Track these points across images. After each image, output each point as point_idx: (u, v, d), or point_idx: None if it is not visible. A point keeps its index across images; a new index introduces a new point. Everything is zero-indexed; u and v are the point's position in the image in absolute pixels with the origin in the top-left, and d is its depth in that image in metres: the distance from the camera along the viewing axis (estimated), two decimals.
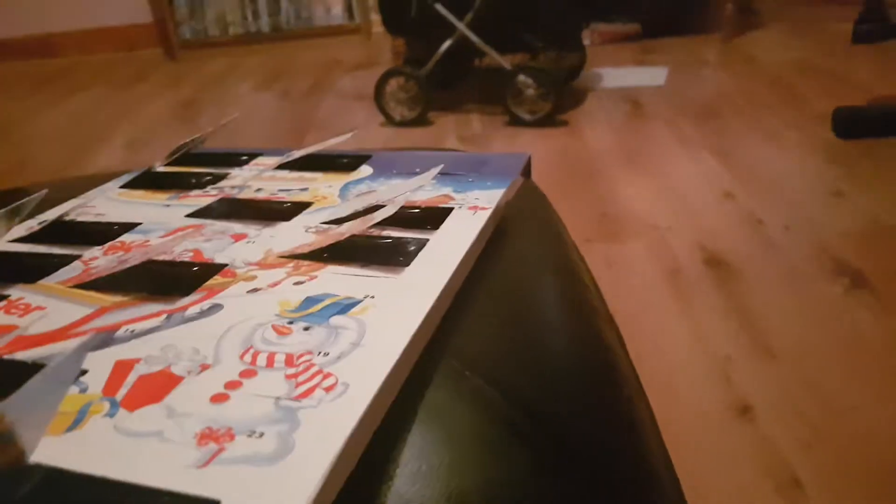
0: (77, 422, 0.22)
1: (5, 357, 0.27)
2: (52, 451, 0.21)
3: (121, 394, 0.24)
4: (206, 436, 0.21)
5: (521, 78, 1.97)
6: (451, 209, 0.38)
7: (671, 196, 1.56)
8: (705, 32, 2.78)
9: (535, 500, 0.23)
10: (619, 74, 2.46)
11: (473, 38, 2.00)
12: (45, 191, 0.35)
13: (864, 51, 2.39)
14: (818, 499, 0.80)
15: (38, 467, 0.21)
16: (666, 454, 0.32)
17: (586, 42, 2.48)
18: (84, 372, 0.25)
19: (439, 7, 2.00)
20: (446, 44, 2.02)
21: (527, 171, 0.46)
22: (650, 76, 2.40)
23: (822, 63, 2.32)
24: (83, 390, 0.24)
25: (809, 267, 1.24)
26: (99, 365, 0.25)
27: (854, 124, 1.74)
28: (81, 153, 2.15)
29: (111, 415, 0.23)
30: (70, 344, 0.27)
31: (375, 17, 2.86)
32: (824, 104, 1.89)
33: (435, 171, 0.40)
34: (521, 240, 0.41)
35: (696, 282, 1.23)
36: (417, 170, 0.42)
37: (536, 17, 2.06)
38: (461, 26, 2.00)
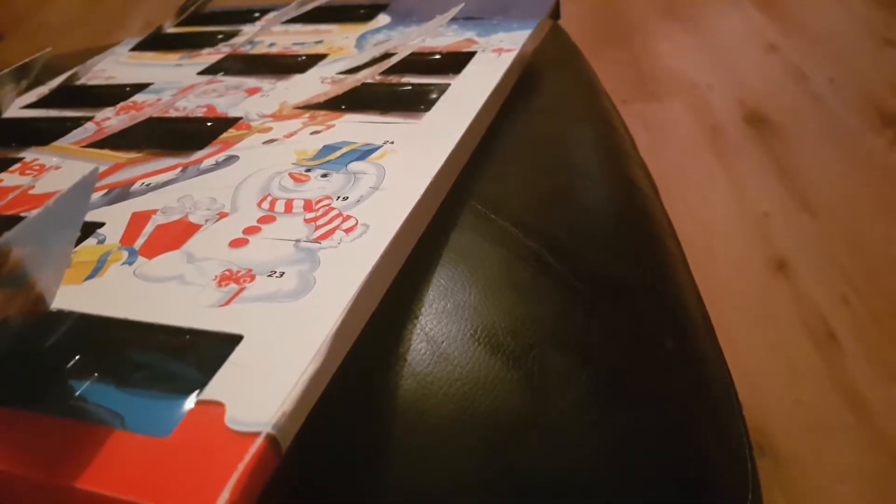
0: (97, 270, 0.22)
1: (9, 214, 0.26)
2: (73, 298, 0.21)
3: (139, 243, 0.23)
4: (227, 277, 0.21)
5: None
6: (473, 53, 0.36)
7: (712, 52, 1.48)
8: None
9: (563, 336, 0.23)
10: None
11: None
12: (49, 49, 0.33)
13: None
14: (853, 352, 0.80)
15: (63, 313, 0.21)
16: (699, 297, 0.32)
17: None
18: (101, 224, 0.25)
19: None
20: None
21: (555, 14, 0.43)
22: None
23: None
24: (101, 241, 0.24)
25: (854, 120, 1.19)
26: (116, 217, 0.25)
27: None
28: (101, 37, 2.11)
29: (130, 262, 0.22)
30: None
31: None
32: None
33: (454, 10, 0.37)
34: (550, 86, 0.39)
35: (736, 140, 1.19)
36: (438, 15, 0.40)
37: None
38: None
